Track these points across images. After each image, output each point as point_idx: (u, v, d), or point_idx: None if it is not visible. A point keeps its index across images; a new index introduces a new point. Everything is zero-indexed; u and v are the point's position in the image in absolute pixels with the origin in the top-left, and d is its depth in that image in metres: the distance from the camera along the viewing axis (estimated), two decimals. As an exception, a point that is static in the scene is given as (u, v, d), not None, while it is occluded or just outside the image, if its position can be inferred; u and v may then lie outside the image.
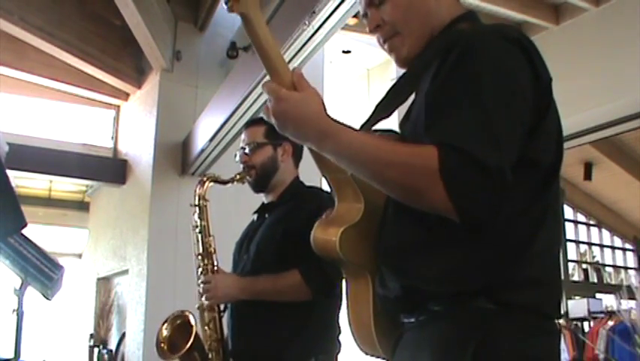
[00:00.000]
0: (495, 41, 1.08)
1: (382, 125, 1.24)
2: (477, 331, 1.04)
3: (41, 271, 2.03)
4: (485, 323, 1.04)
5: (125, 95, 6.17)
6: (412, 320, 1.15)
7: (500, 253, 1.05)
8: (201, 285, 2.08)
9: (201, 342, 2.05)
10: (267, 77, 3.63)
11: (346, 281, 1.26)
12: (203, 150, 4.68)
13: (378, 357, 1.24)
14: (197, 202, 2.18)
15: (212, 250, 2.14)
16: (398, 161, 1.02)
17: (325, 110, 1.10)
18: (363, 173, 1.08)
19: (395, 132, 1.24)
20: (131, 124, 6.00)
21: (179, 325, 2.10)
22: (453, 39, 1.11)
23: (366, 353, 1.25)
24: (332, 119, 1.09)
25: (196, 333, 2.04)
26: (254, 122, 2.28)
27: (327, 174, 1.22)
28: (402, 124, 1.24)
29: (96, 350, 6.06)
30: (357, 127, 1.16)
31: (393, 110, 1.23)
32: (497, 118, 1.01)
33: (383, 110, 1.23)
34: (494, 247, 1.05)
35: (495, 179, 0.97)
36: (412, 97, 1.23)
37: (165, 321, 2.13)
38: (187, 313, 2.11)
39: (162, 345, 2.07)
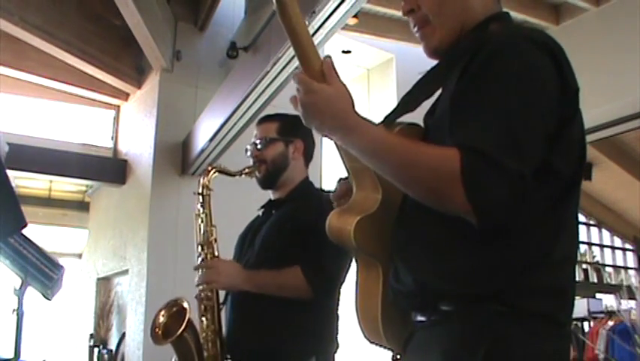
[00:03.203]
0: (523, 45, 1.08)
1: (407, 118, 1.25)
2: (489, 333, 1.04)
3: (41, 271, 2.03)
4: (497, 326, 1.04)
5: (125, 95, 6.17)
6: (424, 319, 1.15)
7: (517, 259, 1.05)
8: (202, 269, 2.05)
9: (195, 329, 2.04)
10: (268, 78, 3.61)
11: (357, 270, 1.26)
12: (203, 150, 4.69)
13: (383, 347, 1.24)
14: (200, 191, 2.18)
15: (214, 240, 2.14)
16: (421, 162, 1.03)
17: (353, 105, 1.11)
18: (384, 171, 1.09)
19: (419, 126, 1.25)
20: (131, 124, 6.00)
21: (175, 312, 2.09)
22: (482, 39, 1.12)
23: (371, 342, 1.25)
24: (359, 115, 1.10)
25: (189, 319, 2.03)
26: (267, 117, 2.27)
27: (347, 162, 1.23)
28: (426, 118, 1.25)
29: (96, 350, 6.06)
30: (380, 120, 1.18)
31: (419, 104, 1.24)
32: (520, 122, 1.01)
33: (408, 103, 1.24)
34: (511, 252, 1.05)
35: (515, 183, 0.98)
36: (438, 92, 1.24)
37: (162, 308, 2.12)
38: (181, 300, 2.10)
39: (157, 330, 2.06)
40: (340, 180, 1.32)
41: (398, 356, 1.24)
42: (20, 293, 1.99)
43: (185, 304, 2.07)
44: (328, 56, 1.14)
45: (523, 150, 1.00)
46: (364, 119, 1.10)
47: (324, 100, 1.09)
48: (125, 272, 5.58)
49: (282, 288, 1.96)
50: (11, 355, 1.99)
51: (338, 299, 2.06)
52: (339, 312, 2.08)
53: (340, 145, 1.14)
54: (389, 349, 1.24)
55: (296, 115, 2.21)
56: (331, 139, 1.14)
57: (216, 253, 2.13)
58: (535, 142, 1.03)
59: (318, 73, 1.10)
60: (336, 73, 1.12)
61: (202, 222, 2.15)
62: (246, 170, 2.15)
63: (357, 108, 1.11)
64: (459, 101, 1.08)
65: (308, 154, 2.21)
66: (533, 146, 1.02)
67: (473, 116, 1.03)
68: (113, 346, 5.93)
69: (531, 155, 1.01)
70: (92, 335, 6.22)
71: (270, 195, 2.24)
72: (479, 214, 0.98)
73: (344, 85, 1.13)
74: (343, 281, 2.01)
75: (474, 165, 0.97)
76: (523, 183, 0.98)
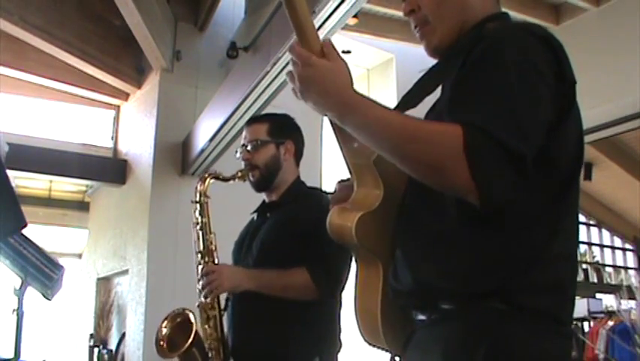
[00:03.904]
0: (523, 35, 1.08)
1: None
2: (489, 331, 1.04)
3: (41, 271, 2.03)
4: (498, 324, 1.04)
5: (125, 95, 6.18)
6: (424, 318, 1.14)
7: (517, 256, 1.05)
8: (204, 277, 2.02)
9: (201, 341, 2.03)
10: (268, 78, 3.60)
11: (357, 267, 1.25)
12: (203, 150, 4.69)
13: (380, 348, 1.23)
14: (198, 199, 2.15)
15: (213, 248, 2.12)
16: (421, 137, 1.01)
17: (352, 82, 1.09)
18: (384, 148, 1.06)
19: None
20: (131, 124, 6.00)
21: (179, 323, 2.07)
22: (481, 35, 1.12)
23: (369, 343, 1.24)
24: (357, 92, 1.08)
25: (196, 331, 2.01)
26: (256, 119, 2.25)
27: (348, 158, 1.22)
28: (427, 116, 1.25)
29: (96, 350, 6.06)
30: None
31: (420, 101, 1.24)
32: (522, 106, 1.01)
33: (409, 101, 1.23)
34: (511, 249, 1.05)
35: (518, 164, 0.97)
36: (439, 89, 1.24)
37: (165, 319, 2.10)
38: (187, 312, 2.08)
39: (162, 343, 2.05)
40: (340, 181, 1.30)
41: (397, 359, 1.23)
42: (20, 293, 1.99)
43: (192, 317, 2.05)
44: (328, 39, 1.12)
45: (525, 131, 0.99)
46: (363, 96, 1.08)
47: (320, 74, 1.07)
48: (125, 272, 5.58)
49: (286, 289, 1.95)
50: (11, 355, 1.99)
51: (340, 299, 2.06)
52: (342, 312, 2.07)
53: (338, 123, 1.11)
54: (387, 350, 1.23)
55: (285, 115, 2.20)
56: (328, 116, 1.11)
57: (216, 261, 2.11)
58: (536, 125, 1.02)
59: (317, 52, 1.08)
60: (336, 51, 1.10)
61: (201, 230, 2.13)
62: (239, 174, 2.12)
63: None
64: (459, 87, 1.08)
65: (298, 154, 2.19)
66: (534, 129, 1.02)
67: (474, 98, 1.03)
68: (113, 346, 5.93)
69: (532, 137, 1.01)
70: (92, 335, 6.22)
71: (262, 197, 2.22)
72: (482, 193, 0.97)
73: (344, 62, 1.10)
74: (347, 280, 2.02)
75: (477, 143, 0.96)
76: (526, 164, 0.98)
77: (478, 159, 0.96)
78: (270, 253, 2.04)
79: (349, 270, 1.98)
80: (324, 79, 1.07)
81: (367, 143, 1.09)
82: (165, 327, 2.08)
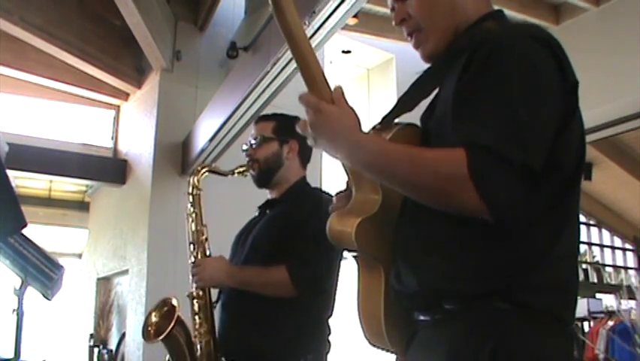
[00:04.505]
0: (524, 41, 1.08)
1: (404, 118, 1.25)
2: (493, 331, 1.04)
3: (41, 271, 2.03)
4: (502, 323, 1.04)
5: (125, 95, 6.18)
6: (427, 318, 1.15)
7: (521, 257, 1.06)
8: (193, 268, 2.10)
9: (186, 327, 2.07)
10: (268, 78, 3.60)
11: (358, 272, 1.26)
12: (203, 150, 4.69)
13: (385, 350, 1.24)
14: (190, 191, 2.20)
15: (204, 239, 2.16)
16: (428, 168, 1.03)
17: (360, 126, 1.12)
18: (394, 182, 1.09)
19: (416, 126, 1.25)
20: (131, 124, 6.00)
21: (166, 311, 2.12)
22: (480, 37, 1.12)
23: (374, 346, 1.25)
24: (364, 133, 1.11)
25: (178, 316, 2.04)
26: (264, 117, 2.29)
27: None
28: (424, 118, 1.25)
29: (96, 350, 6.06)
30: (378, 121, 1.19)
31: (416, 104, 1.25)
32: (525, 117, 1.01)
33: (406, 104, 1.24)
34: (515, 250, 1.06)
35: (523, 176, 0.98)
36: (435, 91, 1.24)
37: (153, 309, 2.15)
38: (170, 298, 2.12)
39: (149, 329, 2.09)
40: (337, 193, 1.31)
41: None
42: (20, 293, 1.99)
43: (174, 302, 2.10)
44: (339, 86, 1.15)
45: (529, 143, 1.00)
46: (369, 134, 1.11)
47: (331, 120, 1.10)
48: (125, 272, 5.58)
49: (265, 286, 1.96)
50: (11, 355, 1.99)
51: (332, 300, 2.06)
52: (332, 313, 2.07)
53: (349, 165, 1.15)
54: (392, 352, 1.23)
55: (295, 116, 2.22)
56: (339, 159, 1.14)
57: (207, 252, 2.15)
58: (540, 135, 1.03)
59: (327, 98, 1.11)
60: (345, 100, 1.13)
61: (192, 221, 2.17)
62: (239, 169, 2.16)
63: (358, 109, 1.11)
64: (462, 99, 1.08)
65: (304, 155, 2.20)
66: (539, 139, 1.02)
67: (477, 112, 1.04)
68: (113, 346, 5.93)
69: (537, 148, 1.02)
70: (92, 335, 6.22)
71: (268, 194, 2.24)
72: (493, 212, 0.99)
73: (351, 108, 1.13)
74: (333, 281, 2.02)
75: (481, 163, 0.98)
76: (532, 175, 0.99)
77: (484, 181, 0.98)
78: (259, 249, 2.07)
79: (334, 271, 2.00)
80: (333, 124, 1.10)
81: (378, 179, 1.12)
82: (154, 316, 2.13)
